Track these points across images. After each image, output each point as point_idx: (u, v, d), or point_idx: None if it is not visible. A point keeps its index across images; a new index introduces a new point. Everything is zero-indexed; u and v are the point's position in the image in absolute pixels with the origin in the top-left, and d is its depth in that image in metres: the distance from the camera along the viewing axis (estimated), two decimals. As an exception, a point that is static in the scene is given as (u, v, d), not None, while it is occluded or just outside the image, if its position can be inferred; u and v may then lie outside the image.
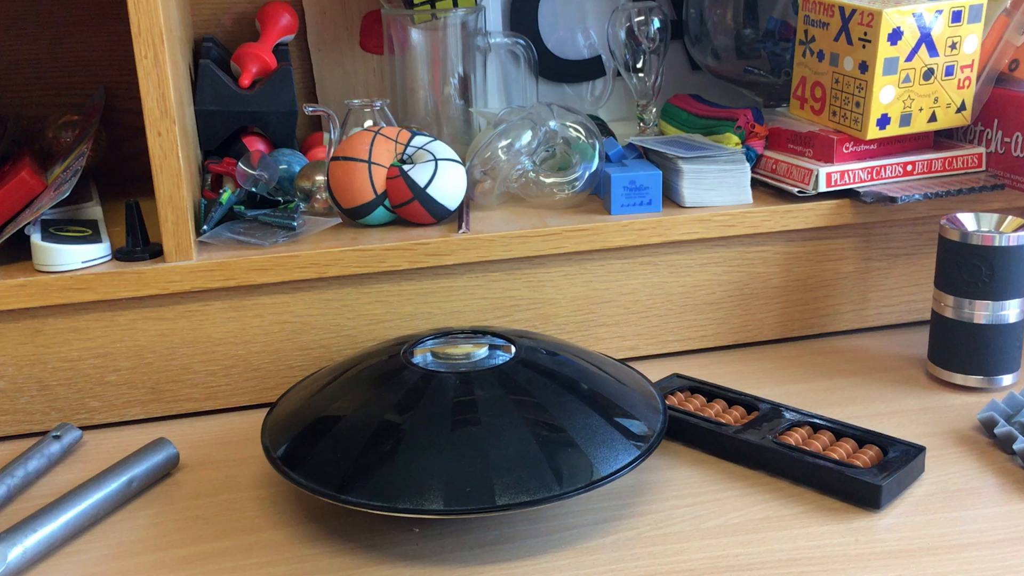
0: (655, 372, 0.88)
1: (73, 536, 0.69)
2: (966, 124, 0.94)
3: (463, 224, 0.88)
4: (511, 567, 0.64)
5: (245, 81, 1.00)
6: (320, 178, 0.91)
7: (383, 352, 0.77)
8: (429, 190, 0.87)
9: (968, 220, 0.85)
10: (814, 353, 0.94)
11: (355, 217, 0.89)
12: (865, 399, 0.85)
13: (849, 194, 0.92)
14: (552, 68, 1.14)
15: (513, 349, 0.75)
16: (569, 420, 0.68)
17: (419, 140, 0.90)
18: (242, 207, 0.90)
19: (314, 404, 0.73)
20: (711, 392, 0.83)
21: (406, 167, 0.87)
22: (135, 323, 0.82)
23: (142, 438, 0.79)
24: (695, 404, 0.81)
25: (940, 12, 0.88)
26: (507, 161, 0.92)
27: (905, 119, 0.91)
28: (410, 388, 0.70)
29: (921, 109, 0.91)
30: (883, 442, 0.74)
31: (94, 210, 0.94)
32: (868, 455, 0.72)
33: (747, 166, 0.92)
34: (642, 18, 1.03)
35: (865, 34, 0.88)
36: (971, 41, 0.90)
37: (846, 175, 0.91)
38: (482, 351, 0.75)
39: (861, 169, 0.92)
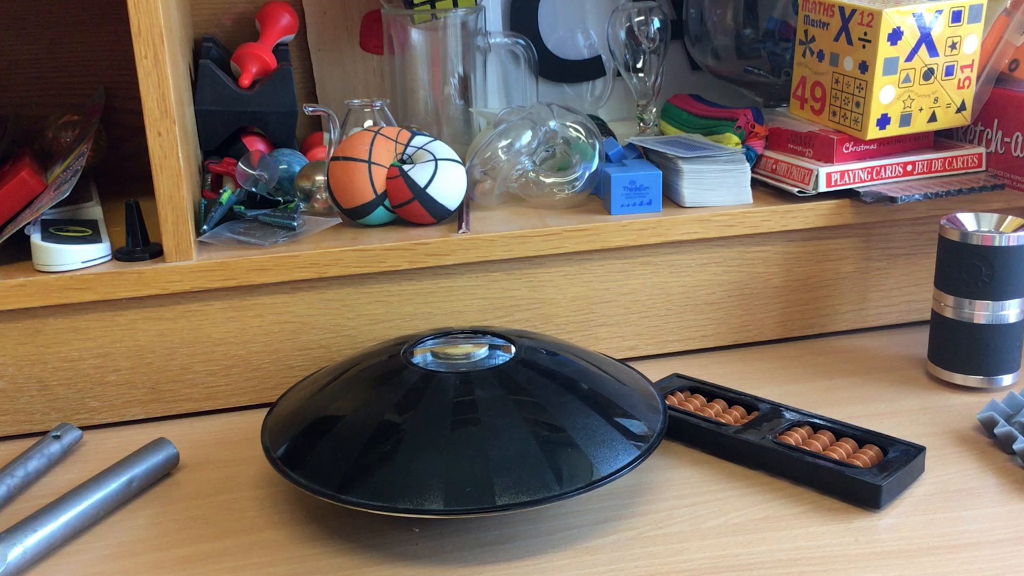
0: (655, 372, 0.88)
1: (73, 536, 0.69)
2: (966, 124, 0.94)
3: (463, 224, 0.88)
4: (511, 567, 0.64)
5: (245, 81, 1.00)
6: (320, 178, 0.91)
7: (383, 352, 0.77)
8: (429, 190, 0.87)
9: (968, 220, 0.85)
10: (814, 353, 0.94)
11: (355, 217, 0.89)
12: (865, 399, 0.85)
13: (849, 194, 0.92)
14: (552, 68, 1.14)
15: (513, 349, 0.75)
16: (569, 420, 0.68)
17: (419, 140, 0.90)
18: (242, 207, 0.90)
19: (314, 404, 0.73)
20: (711, 392, 0.83)
21: (406, 167, 0.87)
22: (135, 323, 0.82)
23: (142, 438, 0.79)
24: (695, 404, 0.81)
25: (940, 12, 0.88)
26: (507, 161, 0.92)
27: (905, 119, 0.91)
28: (410, 388, 0.70)
29: (921, 109, 0.91)
30: (883, 442, 0.74)
31: (94, 210, 0.94)
32: (868, 455, 0.72)
33: (747, 166, 0.92)
34: (642, 18, 1.03)
35: (865, 34, 0.88)
36: (971, 41, 0.90)
37: (846, 175, 0.91)
38: (482, 351, 0.75)
39: (861, 169, 0.92)
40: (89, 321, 0.82)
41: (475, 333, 0.79)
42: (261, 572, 0.65)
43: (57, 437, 0.79)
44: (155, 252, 0.83)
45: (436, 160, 0.88)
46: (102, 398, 0.84)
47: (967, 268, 0.83)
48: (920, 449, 0.73)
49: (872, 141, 0.92)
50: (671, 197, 0.94)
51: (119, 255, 0.83)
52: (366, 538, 0.68)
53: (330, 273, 0.84)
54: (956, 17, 0.88)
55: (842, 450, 0.73)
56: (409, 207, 0.87)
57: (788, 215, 0.91)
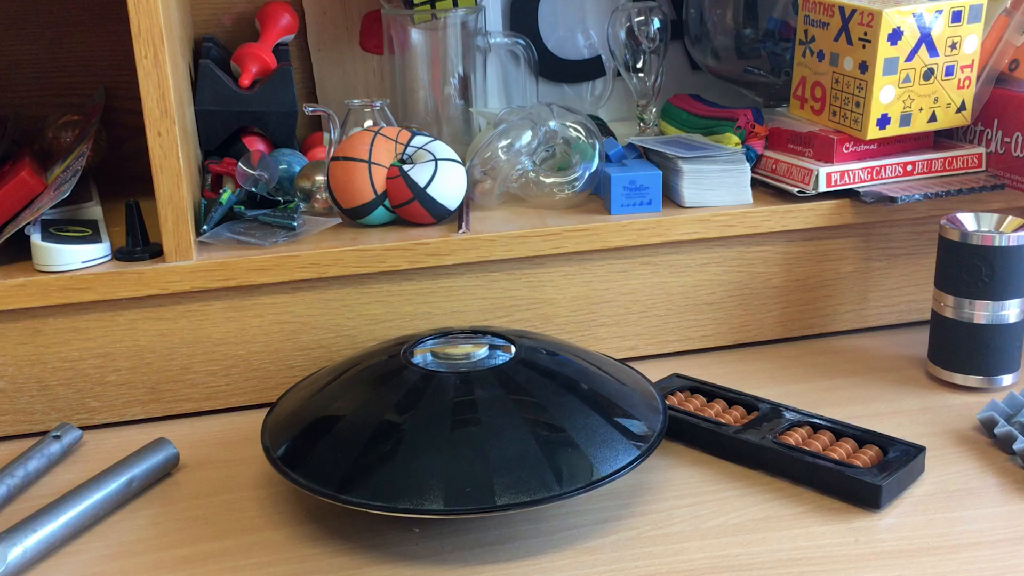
0: (655, 372, 0.88)
1: (73, 536, 0.69)
2: (966, 124, 0.94)
3: (463, 224, 0.88)
4: (511, 567, 0.64)
5: (245, 81, 1.00)
6: (320, 178, 0.91)
7: (383, 352, 0.77)
8: (429, 190, 0.87)
9: (968, 220, 0.85)
10: (814, 353, 0.94)
11: (355, 217, 0.89)
12: (865, 399, 0.85)
13: (849, 194, 0.92)
14: (552, 68, 1.14)
15: (513, 349, 0.75)
16: (569, 420, 0.68)
17: (419, 140, 0.90)
18: (242, 207, 0.90)
19: (314, 404, 0.73)
20: (711, 392, 0.83)
21: (406, 167, 0.87)
22: (135, 323, 0.82)
23: (142, 438, 0.79)
24: (695, 404, 0.81)
25: (940, 12, 0.88)
26: (507, 161, 0.92)
27: (905, 119, 0.91)
28: (410, 388, 0.70)
29: (921, 109, 0.91)
30: (883, 442, 0.74)
31: (94, 210, 0.94)
32: (868, 455, 0.72)
33: (747, 166, 0.92)
34: (642, 18, 1.03)
35: (865, 34, 0.88)
36: (971, 41, 0.90)
37: (846, 175, 0.91)
38: (482, 351, 0.75)
39: (861, 169, 0.92)
40: (89, 321, 0.82)
41: (475, 333, 0.79)
42: (261, 572, 0.65)
43: (57, 437, 0.79)
44: (155, 252, 0.83)
45: (436, 160, 0.88)
46: (102, 398, 0.84)
47: (967, 268, 0.83)
48: (920, 449, 0.73)
49: (872, 141, 0.92)
50: (671, 197, 0.94)
51: (119, 255, 0.83)
52: (366, 538, 0.68)
53: (330, 273, 0.84)
54: (956, 17, 0.88)
55: (842, 450, 0.73)
56: (409, 207, 0.87)
57: (788, 215, 0.91)
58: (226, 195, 0.89)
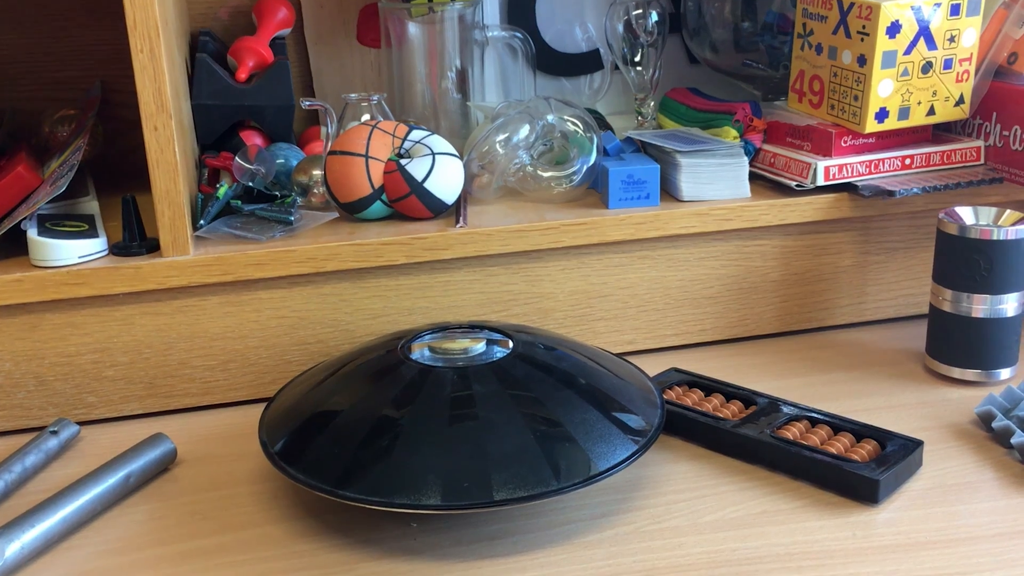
0: (653, 366, 0.88)
1: (71, 532, 0.69)
2: (964, 117, 0.94)
3: (460, 218, 0.87)
4: (509, 562, 0.64)
5: (242, 75, 0.99)
6: (317, 172, 0.91)
7: (381, 347, 0.77)
8: (426, 184, 0.86)
9: (966, 214, 0.85)
10: (812, 347, 0.94)
11: (352, 211, 0.88)
12: (863, 393, 0.85)
13: (847, 188, 0.92)
14: (550, 61, 1.14)
15: (511, 344, 0.75)
16: (567, 415, 0.68)
17: (416, 134, 0.90)
18: (239, 201, 0.90)
19: (312, 399, 0.73)
20: (709, 386, 0.83)
21: (403, 161, 0.87)
22: (132, 318, 0.82)
23: (139, 433, 0.79)
24: (693, 398, 0.81)
25: (938, 5, 0.88)
26: (505, 155, 0.91)
27: (903, 112, 0.90)
28: (408, 383, 0.70)
29: (919, 103, 0.91)
30: (881, 436, 0.74)
31: (91, 205, 0.94)
32: (866, 449, 0.72)
33: (745, 160, 0.92)
34: (640, 11, 1.03)
35: (863, 27, 0.88)
36: (969, 34, 0.90)
37: (844, 169, 0.91)
38: (480, 346, 0.75)
39: (859, 163, 0.92)
40: (86, 316, 0.82)
41: (473, 328, 0.79)
42: (259, 567, 0.65)
43: (54, 432, 0.79)
44: (152, 247, 0.83)
45: (433, 154, 0.88)
46: (99, 393, 0.84)
47: (965, 262, 0.82)
48: (918, 443, 0.73)
49: (870, 135, 0.92)
50: (669, 191, 0.93)
51: (116, 250, 0.83)
52: (364, 533, 0.68)
53: (327, 268, 0.84)
54: (955, 10, 0.88)
55: (840, 444, 0.73)
56: (406, 201, 0.87)
57: (786, 209, 0.91)
58: (223, 189, 0.89)
